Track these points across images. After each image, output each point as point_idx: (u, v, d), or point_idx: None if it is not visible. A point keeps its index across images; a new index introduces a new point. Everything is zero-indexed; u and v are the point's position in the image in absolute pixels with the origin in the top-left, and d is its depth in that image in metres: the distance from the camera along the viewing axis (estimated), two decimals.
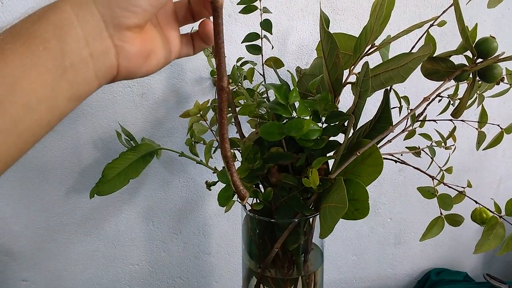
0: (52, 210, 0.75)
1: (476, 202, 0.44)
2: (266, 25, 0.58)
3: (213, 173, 0.60)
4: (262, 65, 0.63)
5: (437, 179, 0.49)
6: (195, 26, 0.37)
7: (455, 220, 0.45)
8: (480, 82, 0.53)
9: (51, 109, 0.28)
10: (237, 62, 0.64)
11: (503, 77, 0.43)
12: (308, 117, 0.44)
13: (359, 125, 0.53)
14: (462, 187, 0.48)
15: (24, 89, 0.26)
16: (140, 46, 0.31)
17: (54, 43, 0.27)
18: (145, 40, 0.32)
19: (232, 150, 0.55)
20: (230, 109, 0.53)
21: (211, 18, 0.35)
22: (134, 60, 0.31)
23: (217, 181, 0.58)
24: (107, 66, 0.30)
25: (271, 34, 0.60)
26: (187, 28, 0.38)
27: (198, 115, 0.49)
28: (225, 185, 0.49)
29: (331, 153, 0.50)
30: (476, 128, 0.53)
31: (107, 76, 0.30)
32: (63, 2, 0.28)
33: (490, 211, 0.42)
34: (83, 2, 0.28)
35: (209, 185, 0.59)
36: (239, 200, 0.54)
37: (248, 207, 0.52)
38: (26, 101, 0.26)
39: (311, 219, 0.51)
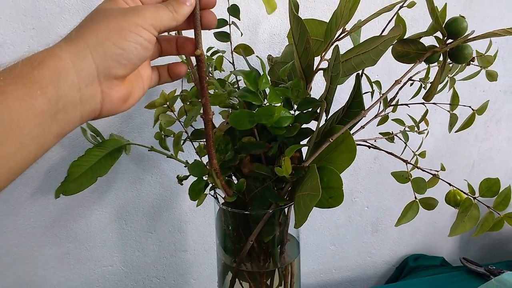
0: (18, 212, 0.71)
1: (450, 185, 0.44)
2: (234, 10, 0.56)
3: (185, 167, 0.58)
4: (231, 52, 0.61)
5: (411, 164, 0.49)
6: None
7: (429, 204, 0.45)
8: (451, 65, 0.53)
9: (40, 146, 0.30)
10: (207, 52, 0.62)
11: (474, 58, 0.43)
12: (279, 104, 0.43)
13: (332, 112, 0.52)
14: (436, 171, 0.48)
15: (20, 128, 0.28)
16: (123, 91, 0.35)
17: (51, 88, 0.29)
18: (127, 85, 0.36)
19: (201, 142, 0.54)
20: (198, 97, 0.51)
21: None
22: (116, 103, 0.35)
23: (189, 175, 0.56)
24: (92, 109, 0.33)
25: (239, 20, 0.58)
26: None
27: (165, 105, 0.46)
28: (196, 178, 0.47)
29: (304, 141, 0.48)
30: (448, 111, 0.52)
31: (89, 117, 0.34)
32: (61, 50, 0.31)
33: (464, 193, 0.41)
34: (81, 53, 0.31)
35: (180, 179, 0.57)
36: (214, 194, 0.53)
37: (221, 200, 0.50)
38: (21, 139, 0.29)
39: (286, 210, 0.50)
